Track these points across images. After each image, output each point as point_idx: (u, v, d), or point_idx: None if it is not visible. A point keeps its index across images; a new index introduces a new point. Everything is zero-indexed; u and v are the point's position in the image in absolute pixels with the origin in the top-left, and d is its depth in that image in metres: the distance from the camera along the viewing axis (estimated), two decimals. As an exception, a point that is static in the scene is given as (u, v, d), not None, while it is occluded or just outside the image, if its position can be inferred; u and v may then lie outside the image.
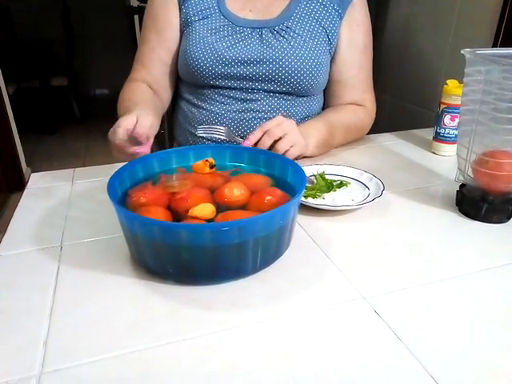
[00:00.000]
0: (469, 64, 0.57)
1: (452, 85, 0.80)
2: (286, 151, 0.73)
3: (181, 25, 0.88)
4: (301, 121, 0.91)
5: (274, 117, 0.86)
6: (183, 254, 0.46)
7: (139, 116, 0.64)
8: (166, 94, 0.93)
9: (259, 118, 0.88)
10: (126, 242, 0.52)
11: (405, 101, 1.33)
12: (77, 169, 0.79)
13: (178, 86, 0.96)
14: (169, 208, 0.54)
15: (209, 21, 0.85)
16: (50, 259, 0.53)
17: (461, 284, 0.50)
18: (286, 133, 0.73)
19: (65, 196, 0.69)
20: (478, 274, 0.51)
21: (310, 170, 0.72)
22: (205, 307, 0.46)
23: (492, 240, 0.58)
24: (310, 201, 0.64)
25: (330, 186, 0.68)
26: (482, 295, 0.48)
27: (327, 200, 0.65)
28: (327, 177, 0.70)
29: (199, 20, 0.85)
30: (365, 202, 0.63)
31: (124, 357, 0.40)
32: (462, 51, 0.57)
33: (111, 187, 0.50)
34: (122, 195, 0.55)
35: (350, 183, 0.69)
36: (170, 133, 1.09)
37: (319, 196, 0.66)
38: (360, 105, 0.92)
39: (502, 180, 0.58)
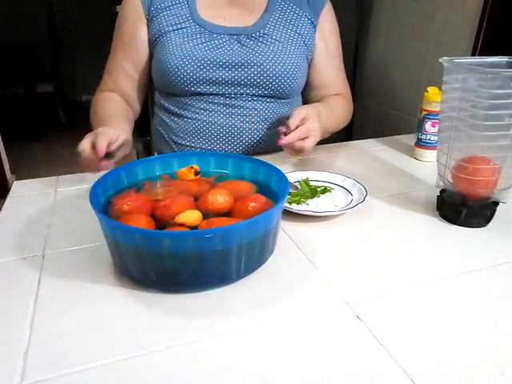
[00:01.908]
0: (447, 72, 0.59)
1: (432, 92, 0.81)
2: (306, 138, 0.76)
3: (150, 39, 0.88)
4: (284, 123, 0.93)
5: (259, 120, 0.88)
6: (166, 262, 0.46)
7: (113, 134, 0.68)
8: (135, 105, 0.95)
9: (246, 122, 0.88)
10: (109, 250, 0.52)
11: (389, 108, 1.36)
12: (61, 176, 0.78)
13: (153, 96, 0.96)
14: (152, 215, 0.54)
15: (184, 30, 0.85)
16: (32, 269, 0.53)
17: (441, 288, 0.50)
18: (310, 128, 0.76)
19: (48, 204, 0.68)
20: (458, 278, 0.52)
21: (294, 176, 0.73)
22: (189, 315, 0.46)
23: (471, 244, 0.59)
24: (294, 207, 0.65)
25: (313, 192, 0.68)
26: (462, 298, 0.49)
27: (311, 206, 0.66)
28: (311, 183, 0.71)
29: (174, 30, 0.86)
30: (348, 207, 0.64)
31: (106, 367, 0.40)
32: (440, 60, 0.59)
33: (93, 195, 0.50)
34: (105, 203, 0.55)
35: (333, 189, 0.70)
36: (147, 145, 1.10)
37: (303, 202, 0.67)
38: (341, 95, 0.98)
39: (480, 185, 0.59)
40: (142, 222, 0.51)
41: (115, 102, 0.89)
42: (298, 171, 0.75)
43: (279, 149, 0.93)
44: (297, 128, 0.75)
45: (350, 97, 1.02)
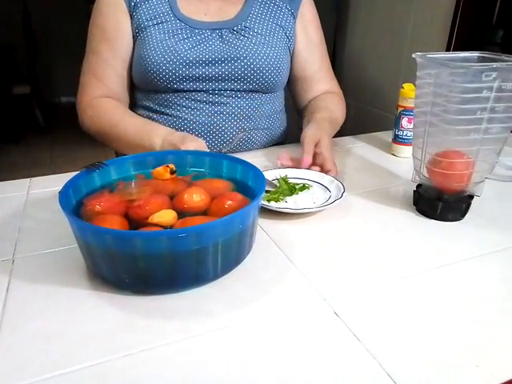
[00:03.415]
0: (420, 67, 0.59)
1: (408, 88, 0.82)
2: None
3: (133, 31, 0.85)
4: (268, 118, 0.92)
5: (241, 117, 0.87)
6: (139, 263, 0.45)
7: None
8: (126, 106, 0.92)
9: (229, 120, 0.87)
10: (81, 253, 0.50)
11: (367, 105, 1.37)
12: (33, 178, 0.76)
13: (132, 95, 0.94)
14: (126, 216, 0.52)
15: (164, 25, 0.84)
16: (1, 274, 0.51)
17: (418, 282, 0.51)
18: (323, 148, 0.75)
19: (19, 206, 0.66)
20: (434, 271, 0.52)
21: (272, 173, 0.72)
22: (164, 316, 0.45)
23: (448, 237, 0.59)
24: (273, 204, 0.64)
25: (292, 190, 0.68)
26: (438, 292, 0.49)
27: (289, 203, 0.65)
28: (290, 180, 0.71)
29: (154, 25, 0.83)
30: (326, 204, 0.64)
31: (78, 372, 0.38)
32: (414, 55, 0.59)
33: (63, 196, 0.48)
34: (77, 204, 0.53)
35: (312, 186, 0.70)
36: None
37: (282, 199, 0.66)
38: (331, 92, 0.96)
39: (455, 179, 0.59)
40: (114, 223, 0.49)
41: (125, 110, 0.87)
42: (277, 169, 0.74)
43: (262, 146, 0.93)
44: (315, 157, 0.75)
45: (341, 91, 1.00)
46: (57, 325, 0.44)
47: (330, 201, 0.64)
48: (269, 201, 0.65)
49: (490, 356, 0.40)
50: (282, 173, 0.73)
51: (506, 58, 0.56)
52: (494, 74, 0.52)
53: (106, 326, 0.44)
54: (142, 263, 0.45)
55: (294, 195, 0.67)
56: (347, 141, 0.97)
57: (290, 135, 1.01)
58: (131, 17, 0.84)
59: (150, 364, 0.39)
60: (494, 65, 0.52)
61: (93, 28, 0.87)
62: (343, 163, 0.84)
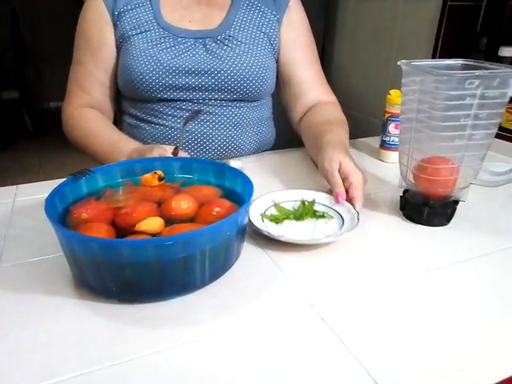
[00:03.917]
0: (405, 75, 0.60)
1: (394, 94, 0.83)
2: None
3: (116, 41, 0.85)
4: (256, 125, 0.92)
5: (228, 125, 0.87)
6: (126, 272, 0.45)
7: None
8: (111, 115, 0.92)
9: (215, 128, 0.87)
10: (67, 261, 0.50)
11: (355, 110, 1.38)
12: (19, 185, 0.75)
13: (119, 102, 0.94)
14: (113, 224, 0.52)
15: (148, 34, 0.83)
16: (-15, 283, 0.50)
17: (405, 287, 0.51)
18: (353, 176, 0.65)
19: (5, 214, 0.65)
20: (421, 277, 0.53)
21: (299, 194, 0.67)
22: (151, 325, 0.45)
23: (434, 242, 0.60)
24: (270, 227, 0.60)
25: (313, 216, 0.63)
26: (425, 297, 0.49)
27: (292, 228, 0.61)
28: (317, 205, 0.65)
29: (137, 34, 0.83)
30: (327, 239, 0.58)
31: (64, 383, 0.38)
32: (399, 63, 0.60)
33: (49, 204, 0.48)
34: (63, 212, 0.53)
35: (333, 218, 0.63)
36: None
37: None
38: (324, 101, 0.91)
39: (440, 185, 0.60)
40: (101, 231, 0.49)
41: (104, 120, 0.86)
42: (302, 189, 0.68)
43: (251, 153, 0.93)
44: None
45: (334, 97, 0.94)
46: (43, 335, 0.43)
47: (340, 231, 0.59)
48: (275, 221, 0.62)
49: (475, 360, 0.41)
50: (311, 196, 0.66)
51: (489, 66, 0.57)
52: (477, 82, 0.53)
53: (93, 335, 0.43)
54: (129, 272, 0.45)
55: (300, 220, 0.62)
56: (336, 146, 0.97)
57: (279, 141, 1.01)
58: (115, 26, 0.84)
59: (137, 373, 0.39)
60: (477, 72, 0.53)
61: (78, 36, 0.87)
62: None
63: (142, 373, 0.39)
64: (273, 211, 0.65)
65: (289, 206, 0.66)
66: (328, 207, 0.65)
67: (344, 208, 0.63)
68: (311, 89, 0.91)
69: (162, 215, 0.53)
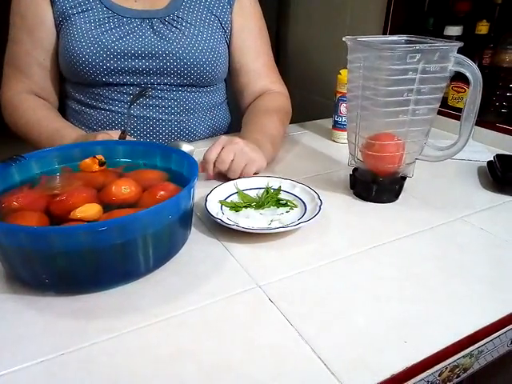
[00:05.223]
0: (350, 51, 0.59)
1: (344, 74, 0.83)
2: (242, 170, 0.67)
3: (55, 19, 0.79)
4: (209, 110, 0.90)
5: (179, 110, 0.84)
6: (59, 262, 0.42)
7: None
8: (55, 100, 0.87)
9: (165, 113, 0.84)
10: (-4, 254, 0.46)
11: (311, 93, 1.38)
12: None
13: (63, 86, 0.88)
14: (48, 212, 0.49)
15: (90, 13, 0.78)
16: None
17: (351, 263, 0.51)
18: (236, 153, 0.66)
19: None
20: (366, 252, 0.53)
21: (263, 181, 0.65)
22: (87, 317, 0.42)
23: (382, 218, 0.60)
24: (230, 216, 0.58)
25: (276, 205, 0.61)
26: (369, 272, 0.50)
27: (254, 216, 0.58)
28: (282, 193, 0.63)
29: (79, 13, 0.78)
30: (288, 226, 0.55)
31: (-11, 383, 0.35)
32: (344, 38, 0.59)
33: (-29, 193, 0.44)
34: (-9, 202, 0.49)
35: (297, 207, 0.60)
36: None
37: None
38: (272, 90, 0.90)
39: (387, 161, 0.61)
40: (32, 220, 0.46)
41: (48, 108, 0.82)
42: (275, 177, 0.66)
43: (205, 138, 0.91)
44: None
45: (283, 87, 0.92)
46: (-33, 333, 0.40)
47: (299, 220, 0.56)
48: (235, 209, 0.60)
49: (418, 332, 0.41)
50: (275, 183, 0.64)
51: (430, 41, 0.58)
52: (418, 56, 0.53)
53: (23, 330, 0.40)
54: (61, 262, 0.42)
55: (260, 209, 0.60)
56: (292, 129, 0.97)
57: (235, 125, 0.99)
58: (52, 3, 0.78)
59: (69, 368, 0.37)
60: (418, 46, 0.53)
61: (13, 13, 0.80)
62: (286, 151, 0.83)
63: (75, 367, 0.37)
64: (235, 198, 0.63)
65: (253, 194, 0.64)
66: (294, 196, 0.63)
67: (309, 197, 0.61)
68: (259, 78, 0.89)
69: (101, 201, 0.50)
